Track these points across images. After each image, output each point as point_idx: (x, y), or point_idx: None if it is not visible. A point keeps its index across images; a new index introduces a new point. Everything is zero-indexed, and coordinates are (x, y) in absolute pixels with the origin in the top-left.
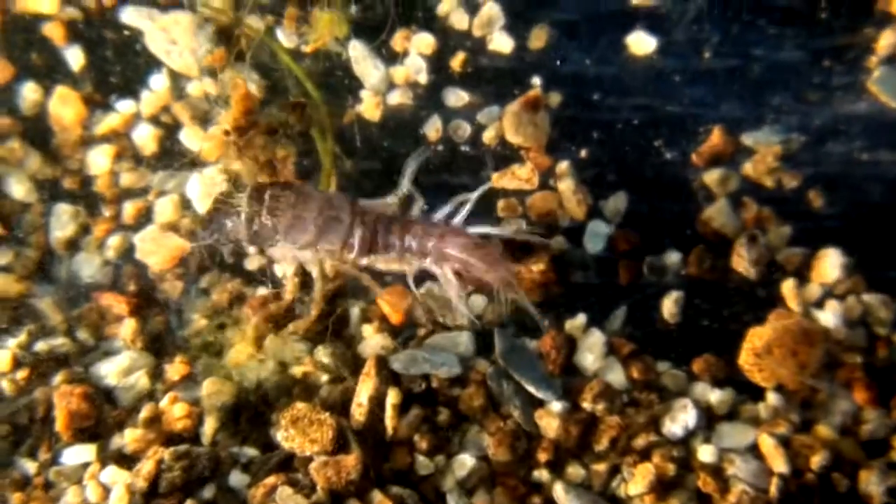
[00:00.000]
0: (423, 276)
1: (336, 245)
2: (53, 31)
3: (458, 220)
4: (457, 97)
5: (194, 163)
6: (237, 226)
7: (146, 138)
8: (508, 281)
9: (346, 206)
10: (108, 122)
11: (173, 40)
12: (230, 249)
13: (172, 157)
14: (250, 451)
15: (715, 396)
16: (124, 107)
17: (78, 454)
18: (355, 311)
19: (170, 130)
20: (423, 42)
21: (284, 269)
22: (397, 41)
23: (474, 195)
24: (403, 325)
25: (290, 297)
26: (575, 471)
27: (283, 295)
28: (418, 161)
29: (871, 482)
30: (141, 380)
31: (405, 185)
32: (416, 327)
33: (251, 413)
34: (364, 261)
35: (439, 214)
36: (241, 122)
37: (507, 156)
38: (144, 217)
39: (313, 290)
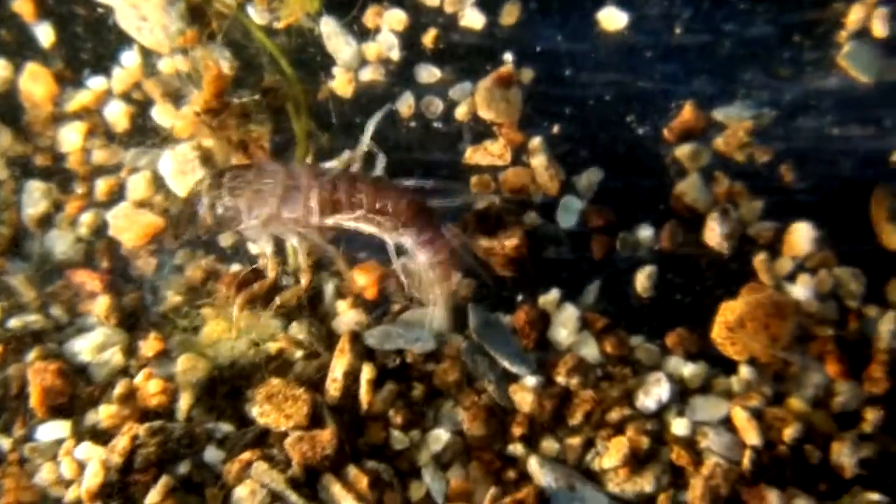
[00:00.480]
0: (399, 251)
1: (298, 212)
2: (23, 7)
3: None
4: (429, 73)
5: (167, 140)
6: (205, 214)
7: (118, 115)
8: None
9: (304, 173)
10: (79, 99)
11: (144, 17)
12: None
13: (144, 133)
14: (225, 427)
15: (688, 370)
16: (96, 83)
17: (52, 430)
18: (329, 287)
19: (141, 107)
20: (395, 18)
21: (262, 247)
22: (369, 17)
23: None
24: (377, 301)
25: (272, 274)
26: (549, 445)
27: (266, 273)
28: (378, 119)
29: (842, 454)
30: (115, 356)
31: (364, 142)
32: (390, 303)
33: (226, 389)
34: (330, 221)
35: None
36: (212, 103)
37: (479, 132)
38: (117, 194)
39: (295, 261)
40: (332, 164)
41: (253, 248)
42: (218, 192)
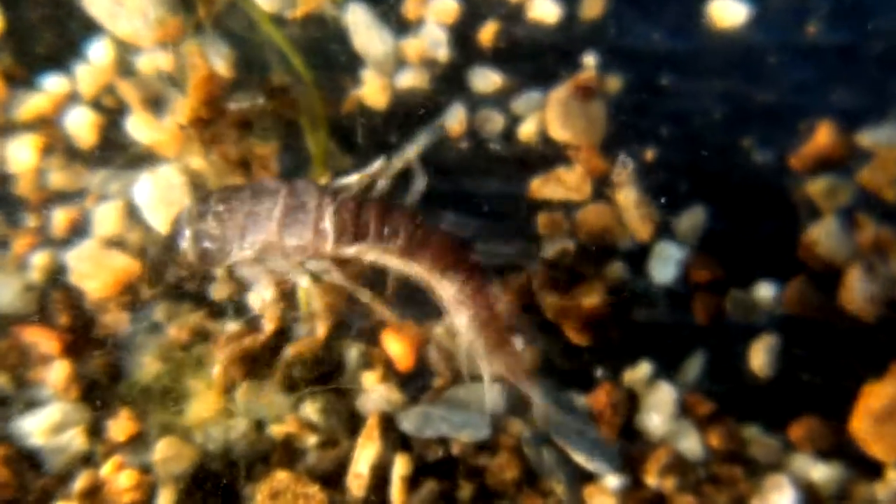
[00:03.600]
0: (440, 311)
1: (306, 238)
2: None
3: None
4: (486, 80)
5: (145, 159)
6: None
7: (82, 126)
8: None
9: (311, 190)
10: (32, 105)
11: (119, 0)
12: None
13: (116, 151)
14: None
15: (819, 472)
16: (54, 85)
17: None
18: (353, 353)
19: (113, 116)
20: (444, 7)
21: (261, 291)
22: (410, 6)
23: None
24: (415, 373)
25: (270, 328)
26: None
27: (262, 327)
28: (431, 137)
29: None
30: (76, 439)
31: (405, 158)
32: (430, 376)
33: (218, 484)
34: (350, 250)
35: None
36: (201, 112)
37: (550, 156)
38: (80, 229)
39: (308, 307)
40: (351, 179)
41: (255, 300)
42: (203, 219)
